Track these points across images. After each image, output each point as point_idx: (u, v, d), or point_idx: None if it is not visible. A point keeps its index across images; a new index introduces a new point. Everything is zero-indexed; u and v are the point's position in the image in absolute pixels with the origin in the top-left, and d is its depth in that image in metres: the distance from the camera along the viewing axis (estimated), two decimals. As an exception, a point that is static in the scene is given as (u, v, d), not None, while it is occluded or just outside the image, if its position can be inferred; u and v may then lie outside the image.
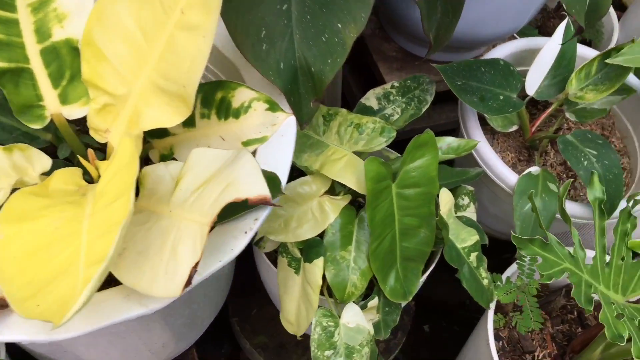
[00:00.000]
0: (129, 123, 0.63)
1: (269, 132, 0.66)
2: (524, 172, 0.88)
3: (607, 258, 0.67)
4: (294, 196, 0.78)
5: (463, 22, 1.09)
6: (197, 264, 0.49)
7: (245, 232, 0.59)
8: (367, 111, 0.84)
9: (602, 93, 0.88)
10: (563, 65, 0.94)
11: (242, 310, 1.14)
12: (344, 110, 0.79)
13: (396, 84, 0.86)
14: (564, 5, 0.67)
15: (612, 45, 1.45)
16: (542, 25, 1.57)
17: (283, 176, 0.63)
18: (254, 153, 0.66)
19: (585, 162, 0.84)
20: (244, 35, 0.65)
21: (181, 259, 0.51)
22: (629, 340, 0.56)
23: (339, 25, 0.65)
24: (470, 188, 0.93)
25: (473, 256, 0.83)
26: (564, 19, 1.58)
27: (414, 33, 1.12)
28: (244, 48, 0.65)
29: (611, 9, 1.54)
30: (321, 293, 0.82)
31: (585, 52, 1.02)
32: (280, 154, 0.65)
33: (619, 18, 1.55)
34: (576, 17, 0.67)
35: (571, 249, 0.64)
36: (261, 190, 0.49)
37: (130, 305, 0.53)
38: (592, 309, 0.59)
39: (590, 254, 0.67)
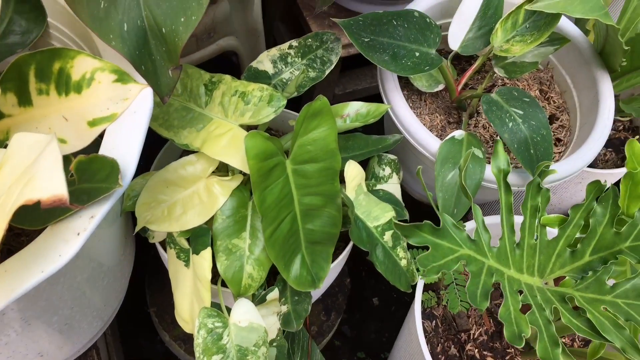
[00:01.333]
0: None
1: (119, 109, 0.55)
2: (447, 137, 0.79)
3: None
4: (177, 179, 0.68)
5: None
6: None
7: (79, 234, 0.49)
8: (260, 77, 0.73)
9: (529, 45, 0.78)
10: (489, 14, 0.83)
11: (161, 300, 1.05)
12: (227, 77, 0.68)
13: (295, 44, 0.75)
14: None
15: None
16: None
17: (130, 162, 0.53)
18: (102, 135, 0.56)
19: (511, 124, 0.75)
20: (76, -9, 0.53)
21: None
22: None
23: (193, -25, 0.54)
24: (392, 157, 0.84)
25: (388, 235, 0.74)
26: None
27: (345, -14, 1.01)
28: (78, 6, 0.53)
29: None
30: (220, 284, 0.73)
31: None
32: (131, 135, 0.54)
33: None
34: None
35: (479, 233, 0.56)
36: (56, 189, 0.38)
37: None
38: (484, 308, 0.51)
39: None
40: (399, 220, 0.77)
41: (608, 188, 0.53)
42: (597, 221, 0.54)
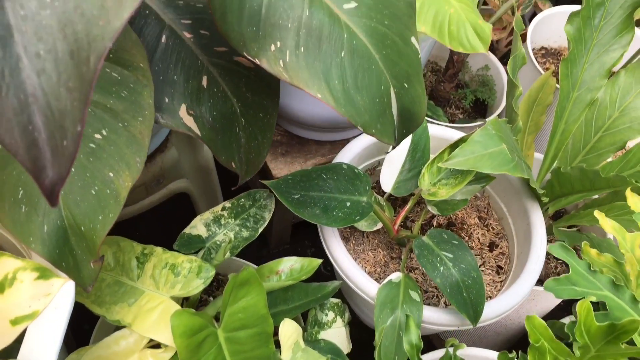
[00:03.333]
0: None
1: (41, 305, 0.57)
2: (384, 281, 0.81)
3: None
4: (110, 355, 0.68)
5: (327, 109, 1.04)
6: None
7: None
8: (194, 242, 0.76)
9: (454, 187, 0.82)
10: (417, 157, 0.88)
11: None
12: (159, 250, 0.71)
13: (228, 205, 0.78)
14: (358, 127, 0.60)
15: (503, 104, 1.42)
16: (433, 90, 1.54)
17: (47, 364, 0.53)
18: (24, 332, 0.57)
19: (442, 268, 0.77)
20: (-1, 198, 0.56)
21: None
22: None
23: (111, 175, 0.57)
24: (335, 300, 0.85)
25: (329, 390, 0.74)
26: (454, 79, 1.55)
27: (295, 118, 1.07)
28: (1, 213, 0.56)
29: (499, 64, 1.53)
30: None
31: (446, 135, 0.98)
32: (50, 336, 0.55)
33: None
34: (379, 138, 0.61)
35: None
36: None
37: None
38: None
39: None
40: (340, 373, 0.77)
41: (517, 358, 0.55)
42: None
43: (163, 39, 0.63)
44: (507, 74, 0.92)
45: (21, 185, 0.56)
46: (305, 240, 1.52)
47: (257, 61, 0.57)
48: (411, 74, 0.64)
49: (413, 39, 0.65)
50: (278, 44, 0.57)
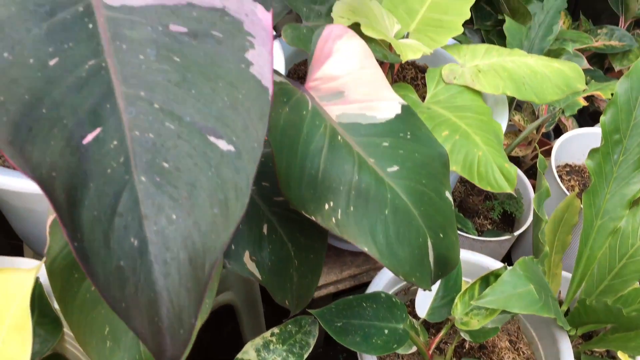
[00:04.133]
0: None
1: None
2: (420, 408, 0.85)
3: None
4: None
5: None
6: None
7: None
8: (246, 366, 0.83)
9: (486, 318, 0.88)
10: (450, 286, 0.95)
11: None
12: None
13: (276, 331, 0.86)
14: (399, 277, 0.68)
15: (530, 219, 1.48)
16: (462, 201, 1.63)
17: None
18: None
19: (475, 399, 0.82)
20: (88, 333, 0.65)
21: None
22: None
23: (184, 315, 0.65)
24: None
25: None
26: (483, 192, 1.63)
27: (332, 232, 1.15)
28: (89, 347, 0.65)
29: (525, 179, 1.60)
30: None
31: (476, 260, 1.05)
32: None
33: (534, 187, 1.61)
34: (418, 284, 0.69)
35: None
36: None
37: None
38: None
39: None
40: None
41: None
42: None
43: (231, 191, 0.74)
44: (533, 203, 1.00)
45: (108, 323, 0.65)
46: (337, 345, 1.56)
47: (312, 218, 0.66)
48: (446, 225, 0.73)
49: (447, 193, 0.74)
50: (331, 203, 0.67)
